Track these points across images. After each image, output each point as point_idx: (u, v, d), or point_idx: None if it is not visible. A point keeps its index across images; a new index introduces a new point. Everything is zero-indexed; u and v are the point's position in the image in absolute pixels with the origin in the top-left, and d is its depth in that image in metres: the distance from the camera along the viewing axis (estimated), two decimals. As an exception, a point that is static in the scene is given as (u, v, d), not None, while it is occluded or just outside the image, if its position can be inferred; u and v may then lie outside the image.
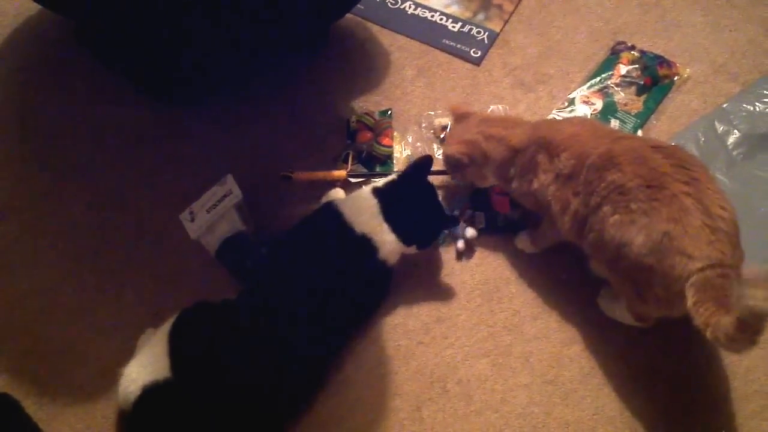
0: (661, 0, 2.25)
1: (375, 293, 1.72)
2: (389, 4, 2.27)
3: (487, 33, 2.19)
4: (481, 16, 2.22)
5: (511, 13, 2.23)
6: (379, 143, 1.93)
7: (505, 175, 1.72)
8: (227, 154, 1.98)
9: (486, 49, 2.16)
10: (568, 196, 1.57)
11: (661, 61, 2.08)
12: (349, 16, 2.18)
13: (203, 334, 1.55)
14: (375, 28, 2.23)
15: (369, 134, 1.94)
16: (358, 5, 2.14)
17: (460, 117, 1.83)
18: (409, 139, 1.97)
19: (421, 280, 1.80)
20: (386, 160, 1.92)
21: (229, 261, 1.77)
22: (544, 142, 1.63)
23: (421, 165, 1.71)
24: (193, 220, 1.76)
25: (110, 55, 1.99)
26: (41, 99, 2.11)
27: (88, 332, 1.74)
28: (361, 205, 1.66)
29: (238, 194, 1.78)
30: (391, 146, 1.94)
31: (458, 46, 2.17)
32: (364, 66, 2.15)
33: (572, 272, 1.76)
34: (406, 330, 1.73)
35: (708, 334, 1.31)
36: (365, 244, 1.63)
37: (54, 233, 1.88)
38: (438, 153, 1.94)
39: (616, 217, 1.47)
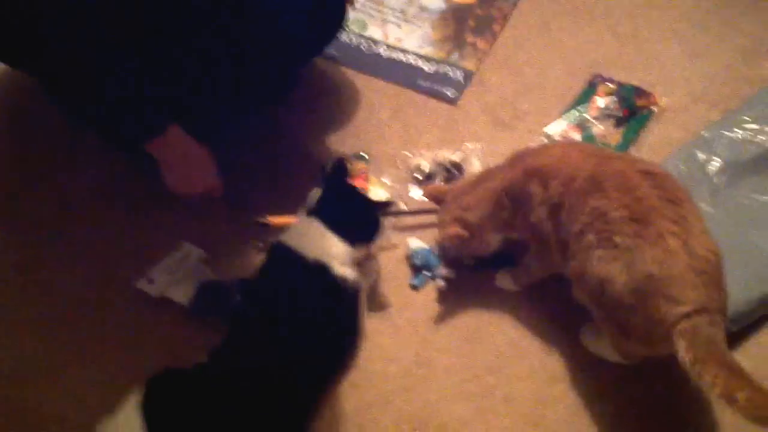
0: (638, 32, 2.23)
1: (346, 324, 1.62)
2: (363, 48, 2.26)
3: (462, 72, 2.17)
4: (455, 56, 2.21)
5: (486, 52, 2.21)
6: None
7: (502, 222, 1.67)
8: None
9: (461, 88, 2.14)
10: (557, 227, 1.53)
11: (638, 91, 2.06)
12: (321, 60, 2.17)
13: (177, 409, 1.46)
14: (349, 72, 2.21)
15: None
16: (332, 50, 2.13)
17: (437, 199, 1.78)
18: (386, 181, 1.93)
19: (399, 324, 1.75)
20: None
21: (208, 307, 1.73)
22: (533, 170, 1.59)
23: (338, 168, 1.64)
24: (152, 282, 1.76)
25: (77, 109, 1.95)
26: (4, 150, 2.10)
27: (59, 394, 1.68)
28: (304, 231, 1.58)
29: (200, 252, 1.79)
30: (365, 189, 1.90)
31: (434, 86, 2.15)
32: (338, 109, 2.13)
33: (554, 308, 1.71)
34: (385, 375, 1.67)
35: (738, 409, 1.24)
36: (320, 269, 1.56)
37: (22, 293, 1.84)
38: (412, 193, 1.91)
39: (599, 252, 1.42)
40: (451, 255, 1.78)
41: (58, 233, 1.92)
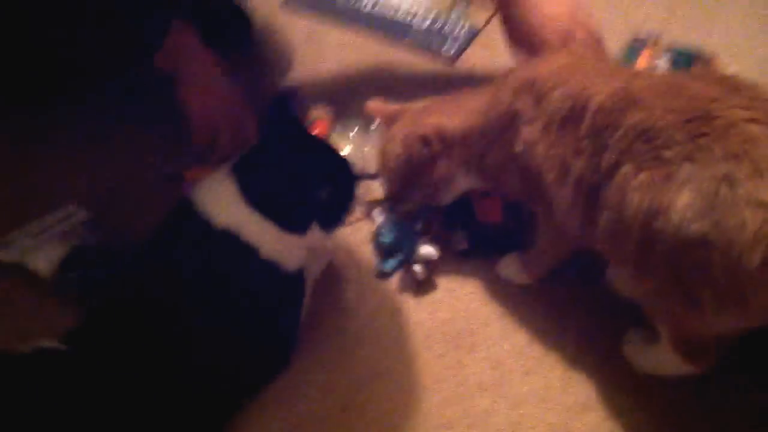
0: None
1: (271, 322, 1.12)
2: (340, 1, 1.78)
3: (465, 28, 1.68)
4: (459, 9, 1.73)
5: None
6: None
7: (475, 156, 1.16)
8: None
9: (462, 47, 1.65)
10: (565, 155, 1.01)
11: (695, 56, 1.55)
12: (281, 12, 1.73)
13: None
14: (319, 28, 1.73)
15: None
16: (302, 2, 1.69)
17: (390, 118, 1.29)
18: (351, 136, 1.41)
19: (358, 324, 1.21)
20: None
21: (73, 279, 1.23)
22: (524, 83, 1.08)
23: (283, 100, 1.15)
24: (6, 246, 1.29)
25: None
26: None
27: None
28: (216, 189, 1.09)
29: (84, 213, 1.34)
30: (324, 135, 1.39)
31: (426, 41, 1.67)
32: (302, 64, 1.64)
33: (580, 308, 1.19)
34: (328, 389, 1.13)
35: None
36: (233, 242, 1.05)
37: None
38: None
39: (643, 176, 0.92)
40: (392, 189, 1.28)
41: None
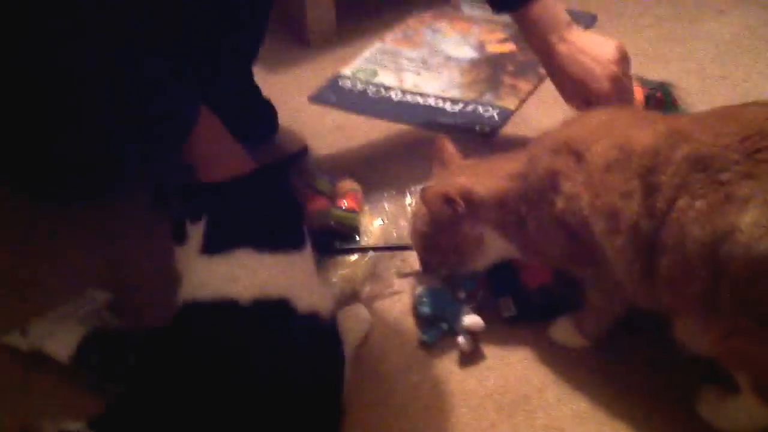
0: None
1: (315, 388, 1.02)
2: (369, 93, 1.77)
3: (498, 111, 1.65)
4: (488, 96, 1.70)
5: (530, 92, 1.70)
6: (337, 207, 1.31)
7: (512, 222, 1.10)
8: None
9: (496, 126, 1.61)
10: (614, 201, 0.94)
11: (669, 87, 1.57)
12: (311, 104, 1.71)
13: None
14: (353, 118, 1.70)
15: (323, 200, 1.33)
16: (330, 96, 1.71)
17: (440, 159, 1.24)
18: (386, 210, 1.34)
19: (402, 395, 1.11)
20: (350, 231, 1.30)
21: (94, 363, 1.14)
22: (562, 144, 1.03)
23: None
24: (25, 333, 1.19)
25: None
26: None
27: None
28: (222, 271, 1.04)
29: (105, 295, 1.25)
30: (355, 211, 1.32)
31: (460, 122, 1.63)
32: (330, 150, 1.60)
33: (645, 368, 1.09)
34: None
35: None
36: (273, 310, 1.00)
37: None
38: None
39: (700, 203, 0.85)
40: (419, 252, 1.22)
41: None
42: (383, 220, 1.32)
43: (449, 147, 1.23)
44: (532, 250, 1.12)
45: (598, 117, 1.06)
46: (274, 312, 1.00)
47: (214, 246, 1.04)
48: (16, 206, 1.47)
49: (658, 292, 0.94)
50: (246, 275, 1.00)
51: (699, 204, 0.85)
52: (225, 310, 0.99)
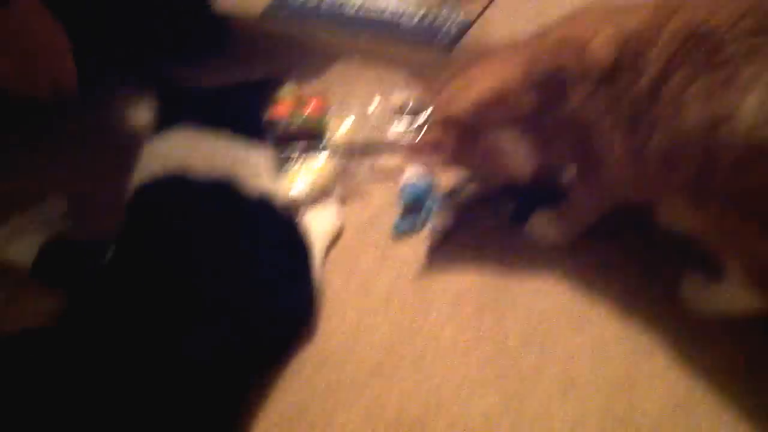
0: None
1: (286, 269, 1.01)
2: (322, 7, 1.71)
3: (456, 22, 1.61)
4: (447, 8, 1.66)
5: (490, 1, 1.67)
6: (301, 113, 1.28)
7: (521, 120, 1.05)
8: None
9: (456, 37, 1.57)
10: (619, 88, 0.92)
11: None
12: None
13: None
14: (304, 35, 1.65)
15: (286, 106, 1.29)
16: (282, 12, 1.65)
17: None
18: (353, 113, 1.31)
19: (374, 284, 1.09)
20: (316, 135, 1.26)
21: (53, 271, 1.11)
22: (563, 40, 1.00)
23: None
24: None
25: None
26: None
27: None
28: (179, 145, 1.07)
29: (63, 203, 1.23)
30: (322, 116, 1.28)
31: (416, 37, 1.59)
32: (280, 62, 1.54)
33: (621, 258, 1.09)
34: (354, 355, 1.00)
35: None
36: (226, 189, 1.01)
37: None
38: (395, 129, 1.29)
39: (699, 83, 0.83)
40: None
41: None
42: (352, 118, 1.28)
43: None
44: (545, 149, 1.07)
45: (594, 11, 1.03)
46: (222, 188, 1.00)
47: (163, 127, 1.06)
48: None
49: (648, 175, 0.92)
50: (192, 152, 1.02)
51: (697, 84, 0.84)
52: (174, 184, 1.00)
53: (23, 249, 1.12)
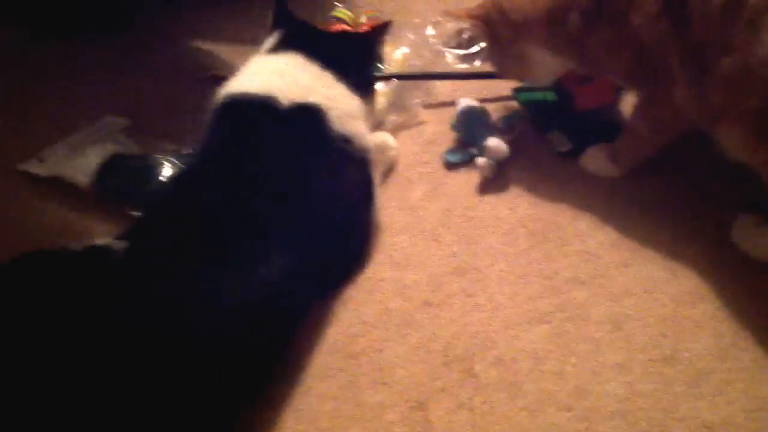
0: None
1: (351, 206, 1.03)
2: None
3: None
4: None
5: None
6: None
7: (564, 38, 1.04)
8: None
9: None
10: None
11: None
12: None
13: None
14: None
15: (342, 27, 1.28)
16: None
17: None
18: (409, 39, 1.30)
19: (424, 218, 1.10)
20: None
21: (115, 187, 1.14)
22: None
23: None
24: (42, 161, 1.20)
25: None
26: None
27: None
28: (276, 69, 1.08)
29: (121, 121, 1.26)
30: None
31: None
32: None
33: (675, 198, 1.07)
34: (402, 286, 1.02)
35: None
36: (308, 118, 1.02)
37: None
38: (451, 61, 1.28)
39: None
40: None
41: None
42: (406, 49, 1.27)
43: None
44: (592, 65, 1.07)
45: None
46: (310, 117, 1.01)
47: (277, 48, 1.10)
48: (16, 42, 1.41)
49: (711, 101, 0.90)
50: (293, 78, 1.04)
51: None
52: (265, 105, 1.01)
53: (83, 164, 1.15)
